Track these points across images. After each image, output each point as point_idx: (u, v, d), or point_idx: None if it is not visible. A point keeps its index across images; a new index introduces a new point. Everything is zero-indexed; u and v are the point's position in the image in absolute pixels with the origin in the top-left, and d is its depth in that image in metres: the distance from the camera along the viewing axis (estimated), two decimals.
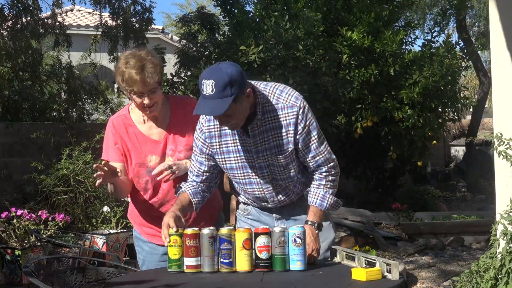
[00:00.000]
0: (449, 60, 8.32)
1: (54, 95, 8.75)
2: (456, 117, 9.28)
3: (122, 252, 5.46)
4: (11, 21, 7.71)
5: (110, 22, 8.52)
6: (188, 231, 2.43)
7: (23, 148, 7.37)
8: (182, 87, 7.70)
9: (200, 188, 2.67)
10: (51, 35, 8.39)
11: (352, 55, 7.89)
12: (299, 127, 2.53)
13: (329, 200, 2.64)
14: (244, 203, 2.81)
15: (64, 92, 8.64)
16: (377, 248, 6.55)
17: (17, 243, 5.18)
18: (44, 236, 5.16)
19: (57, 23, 8.35)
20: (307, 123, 2.55)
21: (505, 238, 3.24)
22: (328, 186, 2.64)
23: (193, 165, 2.68)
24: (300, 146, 2.57)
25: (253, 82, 2.56)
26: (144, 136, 2.79)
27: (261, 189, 2.66)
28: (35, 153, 7.27)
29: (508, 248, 3.18)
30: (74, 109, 8.63)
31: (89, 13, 13.96)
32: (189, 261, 2.41)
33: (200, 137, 2.62)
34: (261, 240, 2.39)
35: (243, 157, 2.59)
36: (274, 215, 2.75)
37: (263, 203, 2.73)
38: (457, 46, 9.08)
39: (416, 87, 7.99)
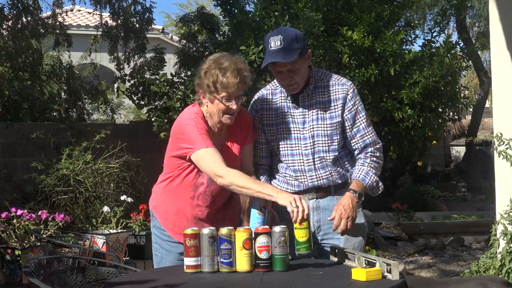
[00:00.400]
0: (449, 60, 8.31)
1: (54, 95, 8.75)
2: (456, 117, 9.28)
3: (122, 252, 5.47)
4: (11, 21, 7.70)
5: (110, 22, 8.52)
6: (188, 231, 2.44)
7: (23, 148, 7.37)
8: (182, 87, 7.70)
9: (266, 175, 2.87)
10: (51, 35, 8.39)
11: (352, 55, 7.88)
12: (349, 104, 2.74)
13: (372, 178, 2.75)
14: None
15: (64, 92, 8.64)
16: (377, 248, 6.55)
17: (17, 243, 5.19)
18: (44, 236, 5.16)
19: (58, 23, 8.34)
20: (356, 102, 2.76)
21: (505, 238, 3.24)
22: (372, 165, 2.77)
23: (258, 149, 2.86)
24: (348, 124, 2.75)
25: None
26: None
27: (301, 161, 2.78)
28: (35, 153, 7.26)
29: (508, 248, 3.19)
30: (74, 109, 8.62)
31: (89, 13, 13.96)
32: (189, 261, 2.41)
33: (255, 116, 2.85)
34: (261, 240, 2.39)
35: (289, 129, 2.79)
36: (310, 202, 2.78)
37: (301, 179, 2.78)
38: (457, 46, 9.07)
39: (416, 87, 7.98)
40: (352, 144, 2.78)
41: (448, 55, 8.43)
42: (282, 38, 2.62)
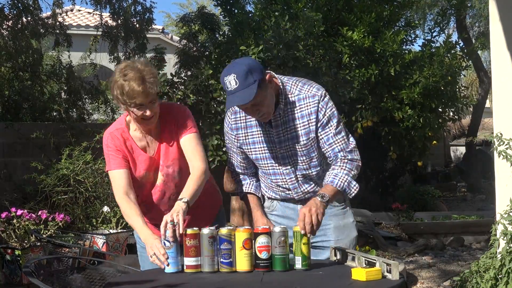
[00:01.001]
0: (449, 60, 8.31)
1: (54, 95, 8.76)
2: (456, 117, 9.28)
3: (122, 252, 5.47)
4: (11, 21, 7.71)
5: (110, 22, 8.52)
6: (188, 231, 2.43)
7: (23, 148, 7.38)
8: (182, 87, 7.70)
9: (254, 180, 2.83)
10: (52, 35, 8.39)
11: (352, 55, 7.88)
12: (320, 115, 2.62)
13: (342, 178, 2.62)
14: (269, 198, 2.84)
15: (64, 92, 8.64)
16: (377, 248, 6.54)
17: (17, 243, 5.19)
18: (44, 236, 5.16)
19: (58, 23, 8.35)
20: (327, 111, 2.63)
21: (505, 238, 3.24)
22: (343, 167, 2.65)
23: (234, 160, 2.83)
24: (320, 133, 2.64)
25: (276, 75, 2.65)
26: (141, 151, 2.75)
27: (284, 180, 2.73)
28: (35, 153, 7.27)
29: (508, 248, 3.18)
30: (74, 109, 8.63)
31: (89, 13, 13.97)
32: (189, 261, 2.41)
33: (228, 132, 2.77)
34: (261, 240, 2.39)
35: (266, 148, 2.69)
36: (299, 206, 2.76)
37: (287, 192, 2.76)
38: (457, 46, 9.07)
39: (417, 87, 7.98)
40: (324, 152, 2.70)
41: (448, 55, 8.43)
42: (236, 76, 2.45)
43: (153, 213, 2.77)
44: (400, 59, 8.07)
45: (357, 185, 2.69)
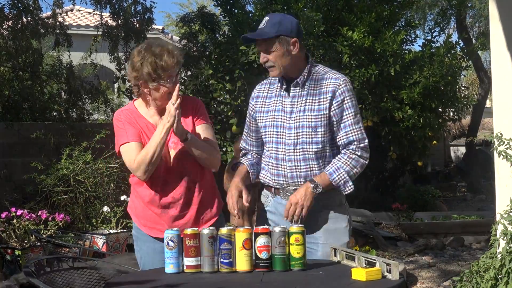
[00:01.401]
0: (449, 60, 8.31)
1: (54, 95, 8.76)
2: (456, 117, 9.28)
3: (122, 252, 5.46)
4: (11, 21, 7.71)
5: (110, 22, 8.53)
6: (188, 231, 2.44)
7: (23, 148, 7.38)
8: (182, 87, 7.70)
9: (255, 160, 2.93)
10: (52, 35, 8.40)
11: (352, 55, 7.88)
12: (339, 98, 2.73)
13: (341, 175, 2.72)
14: (266, 186, 2.88)
15: (64, 92, 8.65)
16: (377, 248, 6.54)
17: (17, 243, 5.19)
18: (44, 236, 5.16)
19: (58, 23, 8.35)
20: (347, 97, 2.74)
21: (505, 238, 3.24)
22: (347, 163, 2.74)
23: (247, 134, 2.97)
24: (336, 119, 2.74)
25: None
26: (153, 126, 2.82)
27: (283, 150, 2.78)
28: (35, 153, 7.27)
29: (508, 248, 3.18)
30: (74, 109, 8.63)
31: (89, 13, 13.98)
32: (189, 261, 2.41)
33: (250, 102, 2.94)
34: (261, 240, 2.39)
35: (277, 116, 2.80)
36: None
37: (281, 167, 2.78)
38: (457, 46, 9.07)
39: (417, 87, 7.98)
40: (337, 140, 2.77)
41: (448, 55, 8.44)
42: (269, 20, 2.73)
43: (166, 191, 2.81)
44: (400, 59, 8.07)
45: (352, 186, 2.75)
